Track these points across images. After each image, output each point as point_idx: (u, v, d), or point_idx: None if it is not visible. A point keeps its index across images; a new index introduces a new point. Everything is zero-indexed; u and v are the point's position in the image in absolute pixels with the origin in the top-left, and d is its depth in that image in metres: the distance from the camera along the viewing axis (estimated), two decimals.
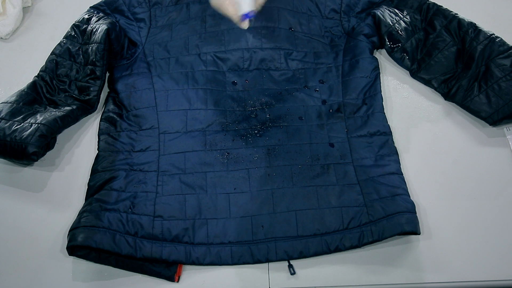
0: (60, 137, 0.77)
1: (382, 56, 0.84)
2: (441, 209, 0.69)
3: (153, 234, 0.66)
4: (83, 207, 0.67)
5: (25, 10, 0.95)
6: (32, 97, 0.76)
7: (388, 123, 0.75)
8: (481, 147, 0.74)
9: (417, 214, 0.65)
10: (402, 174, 0.70)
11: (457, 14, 0.80)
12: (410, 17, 0.82)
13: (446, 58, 0.78)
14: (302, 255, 0.65)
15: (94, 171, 0.72)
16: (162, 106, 0.77)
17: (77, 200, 0.71)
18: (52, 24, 0.93)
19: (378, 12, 0.82)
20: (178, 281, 0.65)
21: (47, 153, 0.75)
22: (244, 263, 0.65)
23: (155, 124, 0.76)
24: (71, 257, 0.66)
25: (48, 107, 0.76)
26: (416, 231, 0.63)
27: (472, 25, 0.78)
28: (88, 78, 0.78)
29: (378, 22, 0.82)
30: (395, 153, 0.72)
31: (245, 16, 0.71)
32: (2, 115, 0.72)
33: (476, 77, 0.75)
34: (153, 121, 0.76)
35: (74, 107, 0.76)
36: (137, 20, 0.85)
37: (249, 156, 0.73)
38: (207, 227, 0.67)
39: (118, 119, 0.77)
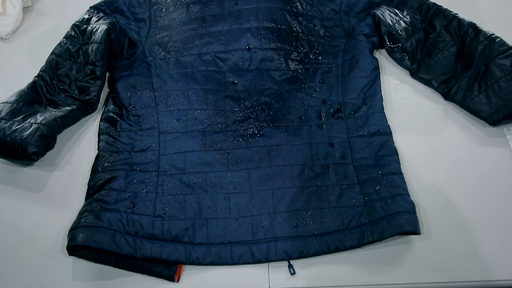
0: (60, 137, 0.77)
1: (382, 56, 0.84)
2: (441, 209, 0.69)
3: (153, 234, 0.66)
4: (83, 207, 0.67)
5: (25, 10, 0.95)
6: (32, 97, 0.76)
7: (388, 123, 0.75)
8: (481, 147, 0.74)
9: (417, 214, 0.65)
10: (402, 174, 0.70)
11: (457, 14, 0.80)
12: (410, 17, 0.82)
13: (446, 58, 0.78)
14: (302, 255, 0.65)
15: (94, 171, 0.72)
16: (162, 106, 0.77)
17: (77, 200, 0.71)
18: (52, 24, 0.93)
19: (378, 12, 0.82)
20: (178, 281, 0.65)
21: (47, 153, 0.75)
22: (244, 263, 0.65)
23: (155, 124, 0.76)
24: (71, 257, 0.66)
25: (48, 107, 0.76)
26: (416, 231, 0.63)
27: (472, 25, 0.78)
28: (88, 78, 0.78)
29: (378, 22, 0.82)
30: (395, 153, 0.72)
31: None
32: (2, 115, 0.72)
33: (476, 77, 0.75)
34: (153, 121, 0.76)
35: (74, 107, 0.76)
36: (137, 20, 0.85)
37: (249, 156, 0.73)
38: (207, 227, 0.67)
39: (118, 119, 0.77)
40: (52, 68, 0.79)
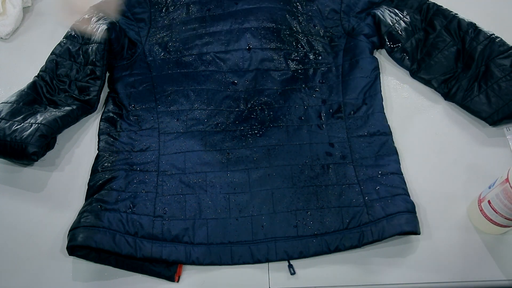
0: (60, 137, 0.77)
1: (382, 56, 0.84)
2: (441, 209, 0.69)
3: (153, 234, 0.66)
4: (83, 207, 0.67)
5: (25, 10, 0.95)
6: (32, 97, 0.76)
7: (388, 123, 0.75)
8: (481, 147, 0.74)
9: (417, 214, 0.65)
10: (402, 174, 0.70)
11: (457, 14, 0.80)
12: (410, 17, 0.82)
13: (446, 58, 0.78)
14: (302, 255, 0.65)
15: (94, 171, 0.72)
16: (162, 106, 0.77)
17: (77, 200, 0.71)
18: (52, 24, 0.93)
19: (378, 12, 0.82)
20: (178, 281, 0.64)
21: (47, 153, 0.75)
22: (244, 263, 0.65)
23: (155, 124, 0.76)
24: (71, 257, 0.66)
25: (48, 107, 0.76)
26: (416, 231, 0.63)
27: (472, 25, 0.78)
28: (88, 78, 0.78)
29: (378, 22, 0.82)
30: (395, 153, 0.72)
31: None
32: (2, 115, 0.72)
33: (476, 77, 0.75)
34: (153, 121, 0.76)
35: (74, 107, 0.76)
36: (137, 20, 0.85)
37: (249, 156, 0.73)
38: (207, 227, 0.67)
39: (118, 119, 0.77)
40: (52, 68, 0.79)
